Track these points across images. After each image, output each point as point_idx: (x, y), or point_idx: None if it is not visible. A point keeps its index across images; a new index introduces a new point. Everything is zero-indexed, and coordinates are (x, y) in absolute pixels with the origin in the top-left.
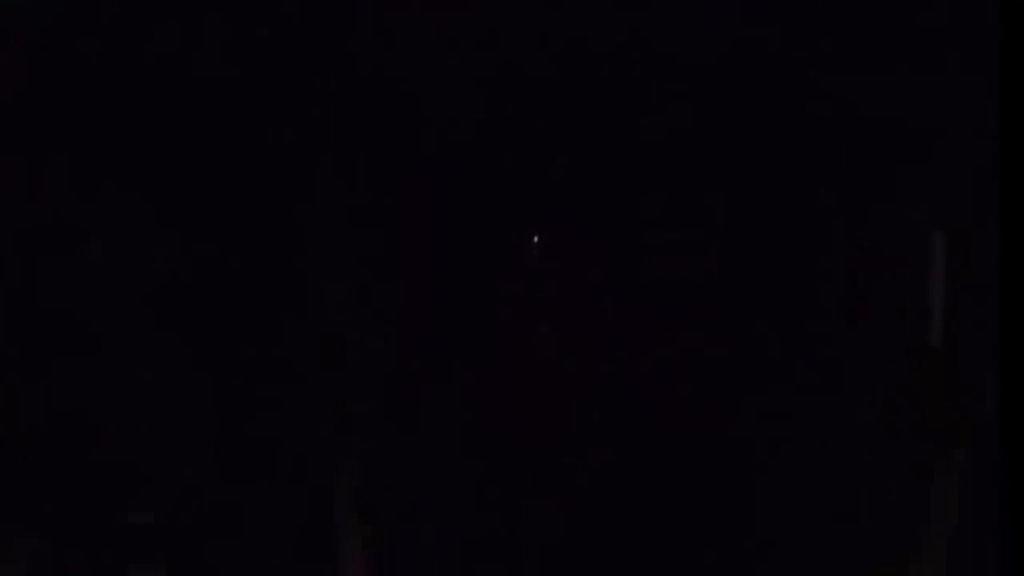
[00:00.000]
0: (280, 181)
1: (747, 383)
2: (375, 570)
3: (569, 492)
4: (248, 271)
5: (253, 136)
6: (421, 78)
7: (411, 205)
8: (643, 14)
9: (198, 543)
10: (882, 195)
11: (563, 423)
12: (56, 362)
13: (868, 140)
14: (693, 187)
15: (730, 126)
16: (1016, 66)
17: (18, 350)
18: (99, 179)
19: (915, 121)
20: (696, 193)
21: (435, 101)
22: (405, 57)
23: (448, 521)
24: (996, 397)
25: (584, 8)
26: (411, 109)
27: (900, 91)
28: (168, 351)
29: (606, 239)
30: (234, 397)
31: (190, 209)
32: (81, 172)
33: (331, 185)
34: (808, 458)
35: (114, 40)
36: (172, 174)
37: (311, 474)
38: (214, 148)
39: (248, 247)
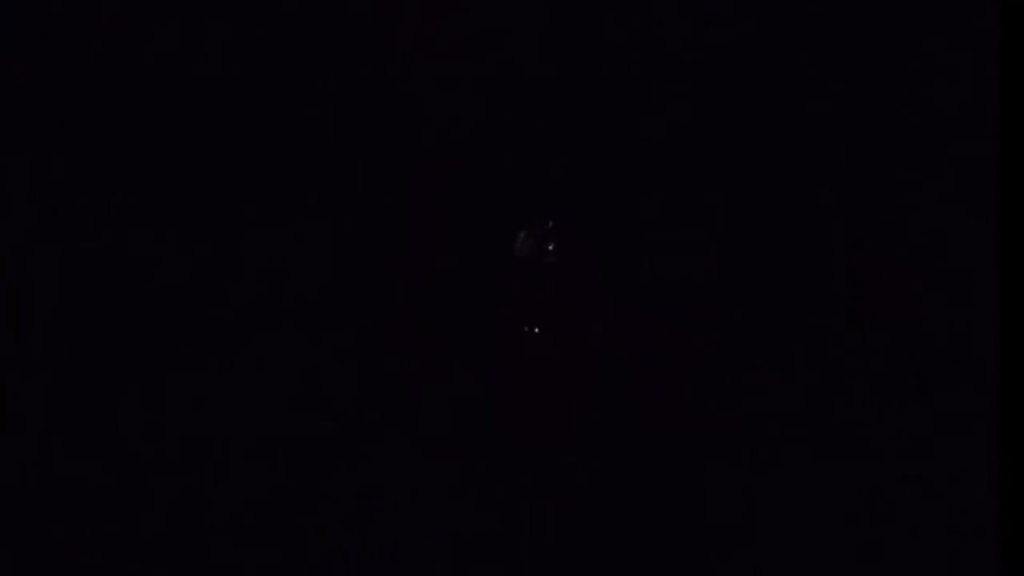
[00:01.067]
0: (276, 180)
1: (748, 384)
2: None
3: (568, 494)
4: (239, 271)
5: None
6: (417, 77)
7: (410, 203)
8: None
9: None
10: (883, 193)
11: (561, 424)
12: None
13: (867, 140)
14: (693, 187)
15: (727, 125)
16: (1016, 66)
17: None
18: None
19: (915, 120)
20: (697, 193)
21: (432, 99)
22: (403, 56)
23: (444, 522)
24: (995, 397)
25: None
26: (409, 107)
27: (899, 90)
28: (167, 347)
29: (606, 239)
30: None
31: (189, 207)
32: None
33: (326, 182)
34: (810, 459)
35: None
36: (169, 171)
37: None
38: (212, 147)
39: (240, 246)
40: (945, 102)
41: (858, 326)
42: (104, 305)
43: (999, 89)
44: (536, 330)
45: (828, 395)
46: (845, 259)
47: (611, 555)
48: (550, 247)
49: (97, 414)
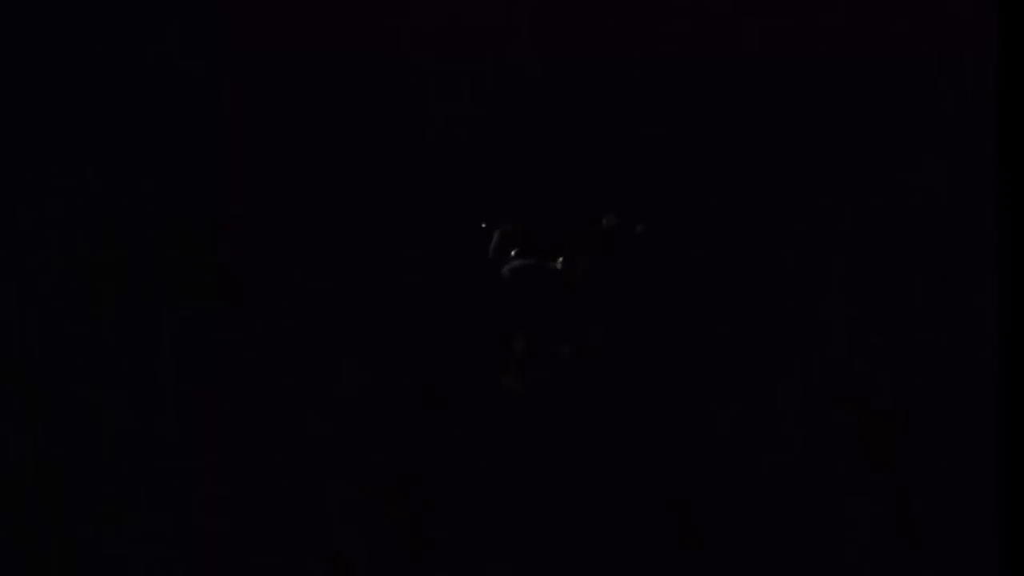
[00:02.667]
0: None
1: (746, 384)
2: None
3: (566, 498)
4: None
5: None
6: (416, 76)
7: (404, 204)
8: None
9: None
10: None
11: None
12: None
13: (867, 140)
14: (691, 187)
15: (726, 125)
16: (1016, 66)
17: None
18: None
19: (914, 119)
20: (694, 194)
21: (431, 99)
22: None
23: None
24: (995, 397)
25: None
26: (407, 107)
27: (897, 89)
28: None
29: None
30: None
31: (183, 205)
32: None
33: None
34: (809, 460)
35: None
36: (168, 171)
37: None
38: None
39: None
40: (945, 102)
41: (857, 326)
42: (93, 300)
43: (999, 89)
44: (527, 342)
45: (827, 395)
46: (844, 259)
47: (610, 558)
48: (514, 251)
49: (86, 411)
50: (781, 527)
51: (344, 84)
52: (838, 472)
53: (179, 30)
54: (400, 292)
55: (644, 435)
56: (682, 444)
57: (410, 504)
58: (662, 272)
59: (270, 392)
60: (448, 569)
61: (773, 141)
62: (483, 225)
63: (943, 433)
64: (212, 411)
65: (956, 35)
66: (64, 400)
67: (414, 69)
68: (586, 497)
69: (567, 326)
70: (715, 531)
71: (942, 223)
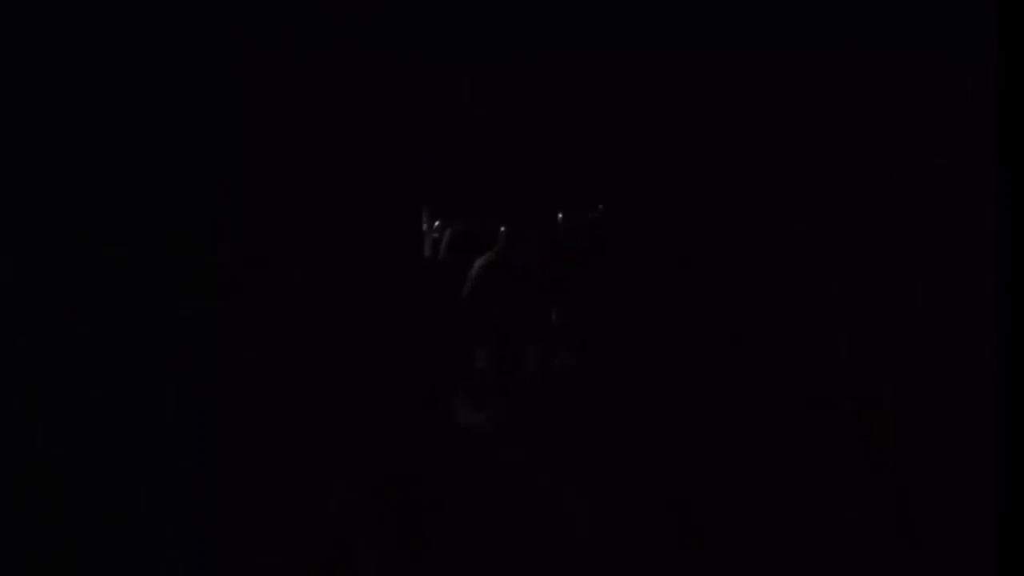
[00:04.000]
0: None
1: (744, 383)
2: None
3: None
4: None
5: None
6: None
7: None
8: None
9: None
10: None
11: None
12: None
13: (864, 138)
14: (686, 186)
15: (725, 123)
16: (1016, 66)
17: None
18: None
19: (914, 118)
20: (689, 192)
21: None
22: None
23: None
24: (995, 397)
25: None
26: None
27: (897, 88)
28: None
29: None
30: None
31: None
32: None
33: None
34: (814, 459)
35: None
36: (167, 170)
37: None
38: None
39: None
40: (945, 102)
41: (857, 326)
42: (93, 299)
43: (999, 89)
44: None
45: (827, 394)
46: (844, 259)
47: (610, 557)
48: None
49: (86, 411)
50: (781, 527)
51: (344, 85)
52: (838, 472)
53: (183, 30)
54: (399, 291)
55: (644, 435)
56: (682, 444)
57: (410, 504)
58: (661, 272)
59: (270, 392)
60: (448, 569)
61: (772, 140)
62: (436, 223)
63: (943, 433)
64: (212, 411)
65: (956, 35)
66: (64, 400)
67: (413, 69)
68: (587, 496)
69: (541, 325)
70: (715, 531)
71: (942, 223)
